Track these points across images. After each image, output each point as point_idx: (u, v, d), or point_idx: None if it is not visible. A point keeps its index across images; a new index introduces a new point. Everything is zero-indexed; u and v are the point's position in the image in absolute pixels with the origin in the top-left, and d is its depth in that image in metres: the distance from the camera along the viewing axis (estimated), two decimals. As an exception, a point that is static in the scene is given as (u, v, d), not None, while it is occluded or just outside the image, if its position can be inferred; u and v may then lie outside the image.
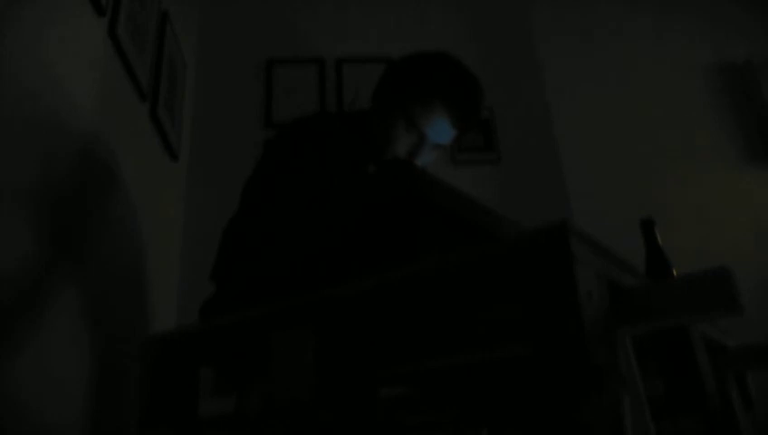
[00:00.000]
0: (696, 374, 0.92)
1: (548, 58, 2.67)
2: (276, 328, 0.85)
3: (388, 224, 1.00)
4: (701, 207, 2.49)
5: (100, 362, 1.43)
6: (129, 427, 1.54)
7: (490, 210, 0.98)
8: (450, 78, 1.39)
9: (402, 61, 1.47)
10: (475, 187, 1.99)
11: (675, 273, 1.37)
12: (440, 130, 1.39)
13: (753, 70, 2.67)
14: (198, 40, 2.59)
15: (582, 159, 2.50)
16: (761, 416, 1.42)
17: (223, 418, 1.01)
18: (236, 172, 2.34)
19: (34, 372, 1.14)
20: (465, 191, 1.00)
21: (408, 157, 1.39)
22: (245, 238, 1.30)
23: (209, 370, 1.07)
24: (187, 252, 2.25)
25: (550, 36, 2.74)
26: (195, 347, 0.98)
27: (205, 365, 1.03)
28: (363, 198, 1.08)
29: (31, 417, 1.11)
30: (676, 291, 0.65)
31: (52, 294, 1.22)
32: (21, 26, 1.14)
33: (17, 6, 1.14)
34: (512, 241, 0.64)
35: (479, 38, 2.72)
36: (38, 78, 1.21)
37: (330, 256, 1.08)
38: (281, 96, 2.53)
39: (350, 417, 0.87)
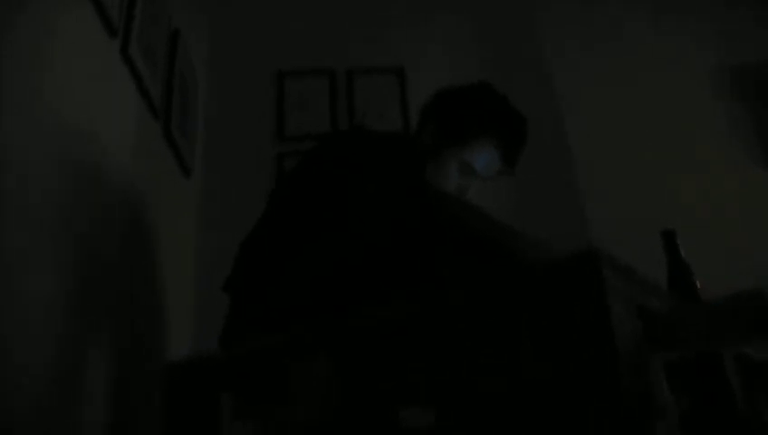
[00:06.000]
0: (726, 392, 0.90)
1: (556, 63, 2.65)
2: (297, 356, 0.84)
3: (409, 247, 0.99)
4: (717, 211, 2.45)
5: (117, 381, 1.43)
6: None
7: (513, 230, 0.97)
8: (501, 118, 1.43)
9: (449, 98, 1.49)
10: (488, 196, 1.97)
11: (698, 284, 1.35)
12: (491, 166, 1.44)
13: (766, 71, 2.64)
14: (209, 55, 2.60)
15: (596, 165, 2.48)
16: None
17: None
18: (250, 186, 2.35)
19: (52, 390, 1.14)
20: (483, 210, 1.00)
21: (458, 194, 1.42)
22: (266, 254, 1.29)
23: (230, 395, 1.07)
24: (202, 267, 2.24)
25: (557, 40, 2.72)
26: (216, 373, 0.97)
27: (226, 391, 1.02)
28: (384, 221, 1.07)
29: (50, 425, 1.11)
30: (710, 316, 0.64)
31: (69, 314, 1.22)
32: (34, 50, 1.15)
33: (29, 29, 1.14)
34: (542, 269, 0.63)
35: (487, 45, 2.70)
36: (52, 101, 1.21)
37: (351, 280, 1.07)
38: (292, 109, 2.53)
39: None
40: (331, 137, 1.44)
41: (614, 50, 2.75)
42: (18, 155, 1.07)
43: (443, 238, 0.98)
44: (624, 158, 2.51)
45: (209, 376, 0.99)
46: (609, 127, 2.58)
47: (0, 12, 1.04)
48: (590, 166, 2.47)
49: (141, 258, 1.69)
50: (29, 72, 1.12)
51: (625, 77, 2.69)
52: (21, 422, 1.02)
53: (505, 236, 0.97)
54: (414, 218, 1.02)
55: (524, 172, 1.78)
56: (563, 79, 2.64)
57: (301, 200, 1.30)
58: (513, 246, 0.96)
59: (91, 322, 1.32)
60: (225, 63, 2.60)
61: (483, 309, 0.68)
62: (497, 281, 0.67)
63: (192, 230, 2.29)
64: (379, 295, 1.01)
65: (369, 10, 2.74)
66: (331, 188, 1.20)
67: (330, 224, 1.16)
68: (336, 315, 0.94)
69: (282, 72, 2.59)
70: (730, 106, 2.68)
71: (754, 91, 2.68)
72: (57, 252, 1.19)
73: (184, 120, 2.13)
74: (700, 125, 2.63)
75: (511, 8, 2.81)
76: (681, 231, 1.34)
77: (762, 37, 2.77)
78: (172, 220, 2.01)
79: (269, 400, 1.01)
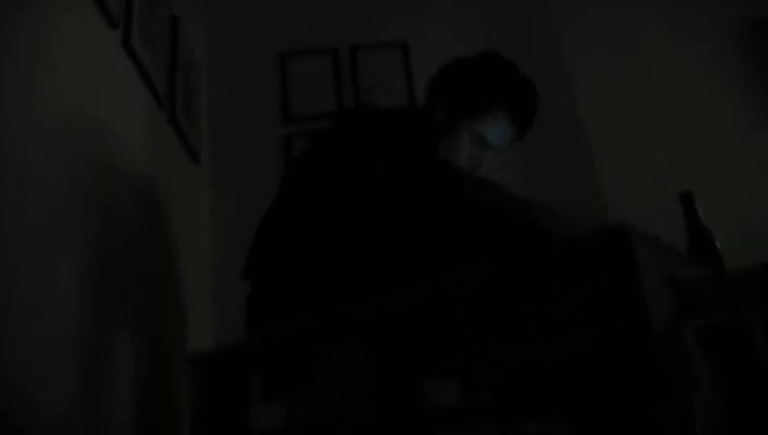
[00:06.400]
0: (752, 354, 0.90)
1: (567, 31, 2.61)
2: (328, 339, 0.84)
3: (432, 224, 0.99)
4: (735, 173, 2.42)
5: (141, 374, 1.45)
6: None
7: (541, 206, 0.96)
8: (512, 87, 1.41)
9: (458, 69, 1.47)
10: (501, 168, 1.94)
11: (718, 245, 1.34)
12: (504, 136, 1.43)
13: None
14: (210, 40, 2.57)
15: (608, 132, 2.45)
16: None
17: (274, 428, 1.01)
18: (259, 169, 2.35)
19: (78, 388, 1.15)
20: (507, 188, 0.99)
21: (471, 167, 1.42)
22: (283, 240, 1.29)
23: (258, 378, 1.07)
24: (219, 251, 2.25)
25: (567, 9, 2.67)
26: (245, 359, 0.98)
27: (254, 374, 1.03)
28: (395, 200, 1.07)
29: (79, 423, 1.13)
30: (738, 283, 0.63)
31: (90, 311, 1.23)
32: (36, 46, 1.14)
33: (31, 26, 1.13)
34: (571, 245, 0.62)
35: (495, 19, 2.65)
36: (59, 96, 1.20)
37: (368, 261, 1.07)
38: (296, 89, 2.51)
39: (399, 425, 0.86)
40: (340, 116, 1.42)
41: (626, 22, 2.69)
42: (28, 153, 1.06)
43: (468, 215, 0.98)
44: (636, 125, 2.48)
45: (238, 362, 1.00)
46: (620, 95, 2.54)
47: (1, 9, 1.03)
48: (601, 136, 2.43)
49: (157, 248, 1.69)
50: (32, 68, 1.11)
51: (636, 46, 2.63)
52: (47, 422, 1.03)
53: (533, 213, 0.96)
54: (429, 196, 1.01)
55: (537, 144, 1.77)
56: (573, 47, 2.59)
57: (313, 183, 1.30)
58: (541, 222, 0.96)
59: (110, 317, 1.33)
60: (225, 48, 2.57)
61: (512, 285, 0.68)
62: (528, 258, 0.66)
63: (205, 216, 2.29)
64: (395, 275, 1.02)
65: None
66: (343, 168, 1.19)
67: (342, 206, 1.16)
68: (357, 298, 0.94)
69: (284, 53, 2.56)
70: (744, 68, 2.62)
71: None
72: (74, 249, 1.19)
73: (189, 107, 2.12)
74: (714, 89, 2.58)
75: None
76: (698, 196, 1.33)
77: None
78: (185, 208, 2.01)
79: (297, 383, 1.02)
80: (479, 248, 0.98)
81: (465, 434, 0.91)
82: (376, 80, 2.52)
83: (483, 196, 0.94)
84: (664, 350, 0.58)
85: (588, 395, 0.65)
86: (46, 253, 1.08)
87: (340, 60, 2.56)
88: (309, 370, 0.92)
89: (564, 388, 0.76)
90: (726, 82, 2.61)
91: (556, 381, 0.80)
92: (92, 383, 1.20)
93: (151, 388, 1.49)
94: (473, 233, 0.99)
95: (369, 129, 1.26)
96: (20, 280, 0.99)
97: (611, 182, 2.34)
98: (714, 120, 2.53)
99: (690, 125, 2.51)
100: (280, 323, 1.11)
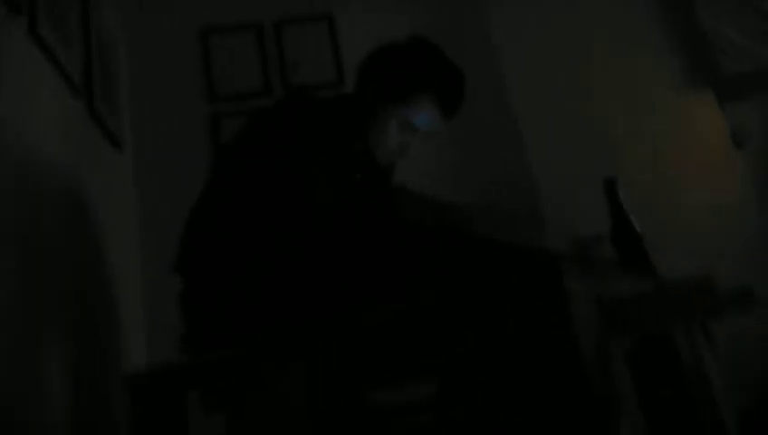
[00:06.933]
0: (669, 345, 0.96)
1: (495, 12, 2.61)
2: (268, 358, 0.84)
3: (373, 244, 0.99)
4: (652, 135, 2.51)
5: (75, 383, 1.41)
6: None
7: (474, 209, 0.98)
8: (438, 73, 1.42)
9: (384, 55, 1.47)
10: (431, 153, 1.93)
11: (638, 229, 1.41)
12: (432, 122, 1.43)
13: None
14: (127, 19, 2.41)
15: (532, 101, 2.48)
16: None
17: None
18: (186, 153, 2.26)
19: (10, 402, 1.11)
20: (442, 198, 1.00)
21: (400, 153, 1.45)
22: (221, 236, 1.28)
23: (197, 393, 1.06)
24: (146, 239, 2.18)
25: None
26: (184, 378, 0.97)
27: (193, 390, 1.02)
28: (347, 219, 1.07)
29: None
30: (662, 301, 0.67)
31: (15, 320, 1.18)
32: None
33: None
34: (505, 276, 0.64)
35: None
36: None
37: (315, 278, 1.07)
38: (221, 67, 2.42)
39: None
40: (270, 110, 1.40)
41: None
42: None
43: (403, 232, 0.99)
44: (564, 104, 2.51)
45: (177, 380, 0.99)
46: (542, 61, 2.57)
47: None
48: (529, 116, 2.47)
49: (85, 246, 1.63)
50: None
51: (563, 23, 2.66)
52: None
53: (471, 224, 0.99)
54: (368, 217, 1.02)
55: (466, 127, 1.78)
56: (500, 24, 2.60)
57: (246, 182, 1.28)
58: (479, 232, 0.98)
59: (38, 324, 1.28)
60: (145, 25, 2.43)
61: (454, 308, 0.70)
62: (466, 289, 0.68)
63: (134, 205, 2.21)
64: (330, 286, 1.03)
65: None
66: (278, 174, 1.18)
67: (279, 212, 1.16)
68: (300, 305, 0.94)
69: (205, 30, 2.45)
70: (661, 29, 2.69)
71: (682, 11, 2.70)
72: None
73: (109, 92, 2.02)
74: (634, 50, 2.63)
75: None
76: (619, 156, 1.37)
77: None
78: (112, 200, 1.94)
79: (237, 400, 1.02)
80: (417, 262, 1.00)
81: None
82: (303, 54, 2.46)
83: (420, 213, 0.96)
84: (592, 373, 0.61)
85: (523, 415, 0.68)
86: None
87: (265, 36, 2.48)
88: (249, 387, 0.91)
89: (502, 406, 0.79)
90: (657, 44, 2.67)
91: (496, 401, 0.83)
92: (22, 391, 1.16)
93: (86, 395, 1.45)
94: (411, 249, 1.01)
95: (301, 127, 1.25)
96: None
97: (541, 160, 2.39)
98: (646, 85, 2.60)
99: (613, 82, 2.56)
100: (225, 328, 1.11)
